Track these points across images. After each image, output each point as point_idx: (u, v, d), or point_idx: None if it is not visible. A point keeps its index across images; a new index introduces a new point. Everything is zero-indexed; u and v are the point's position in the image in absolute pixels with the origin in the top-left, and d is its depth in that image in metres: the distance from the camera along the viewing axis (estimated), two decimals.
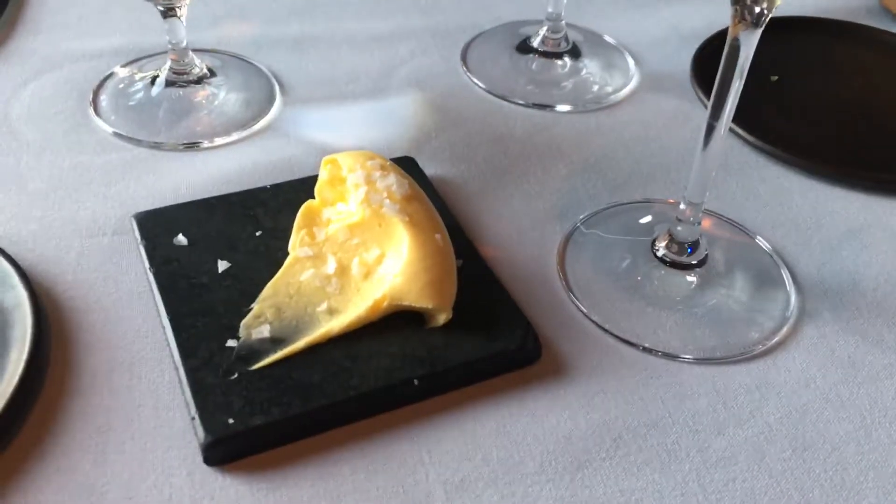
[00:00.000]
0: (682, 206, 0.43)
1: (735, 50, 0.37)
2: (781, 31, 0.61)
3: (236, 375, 0.37)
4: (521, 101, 0.56)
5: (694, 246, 0.44)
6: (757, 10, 0.34)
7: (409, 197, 0.41)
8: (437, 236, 0.40)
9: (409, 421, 0.37)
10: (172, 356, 0.38)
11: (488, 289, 0.41)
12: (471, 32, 0.62)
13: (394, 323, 0.39)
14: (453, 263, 0.40)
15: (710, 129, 0.40)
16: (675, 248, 0.44)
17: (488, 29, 0.63)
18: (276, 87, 0.56)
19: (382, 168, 0.42)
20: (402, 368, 0.37)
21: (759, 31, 0.36)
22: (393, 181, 0.42)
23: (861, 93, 0.59)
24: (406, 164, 0.47)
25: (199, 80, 0.55)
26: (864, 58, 0.62)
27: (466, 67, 0.59)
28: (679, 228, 0.43)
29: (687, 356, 0.40)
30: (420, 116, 0.55)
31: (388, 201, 0.41)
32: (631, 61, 0.61)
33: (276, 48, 0.60)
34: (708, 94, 0.39)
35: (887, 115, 0.57)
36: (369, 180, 0.42)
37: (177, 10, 0.50)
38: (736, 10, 0.35)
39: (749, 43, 0.36)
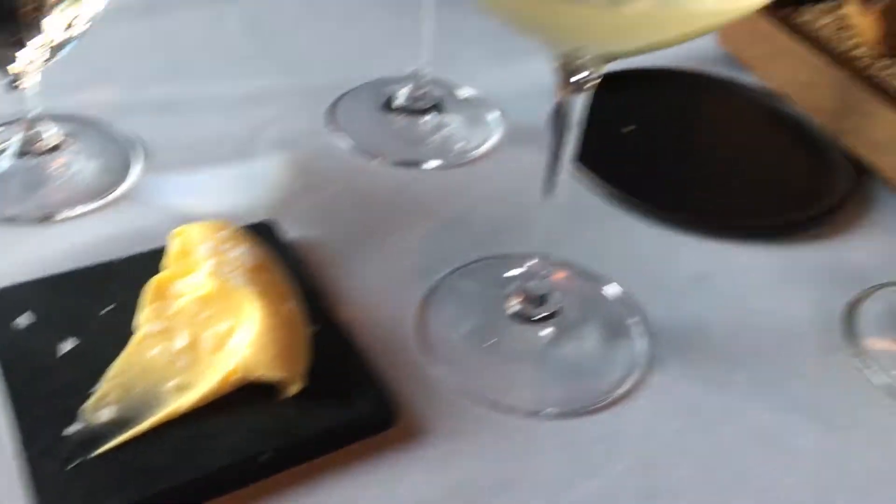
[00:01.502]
0: (533, 261, 0.44)
1: (563, 111, 0.38)
2: (634, 82, 0.64)
3: (77, 463, 0.35)
4: (386, 160, 0.57)
5: (545, 300, 0.45)
6: (573, 80, 0.36)
7: (258, 267, 0.41)
8: (288, 305, 0.40)
9: (257, 498, 0.36)
10: (11, 447, 0.36)
11: (343, 355, 0.41)
12: (337, 91, 0.63)
13: (245, 396, 0.39)
14: (304, 332, 0.40)
15: (550, 182, 0.41)
16: (528, 302, 0.45)
17: (354, 87, 0.63)
18: (137, 154, 0.55)
19: (233, 238, 0.42)
20: (252, 443, 0.37)
21: (583, 94, 0.37)
22: (243, 251, 0.41)
23: (710, 140, 0.62)
24: (264, 230, 0.47)
25: (54, 149, 0.54)
26: (712, 106, 0.66)
27: (333, 127, 0.59)
28: (531, 283, 0.44)
29: (541, 411, 0.41)
30: (284, 179, 0.55)
31: (237, 273, 0.40)
32: (495, 115, 0.62)
33: (138, 112, 0.59)
34: None
35: (735, 162, 0.60)
36: (218, 252, 0.41)
37: (19, 83, 0.48)
38: (559, 77, 0.37)
39: (574, 105, 0.38)
